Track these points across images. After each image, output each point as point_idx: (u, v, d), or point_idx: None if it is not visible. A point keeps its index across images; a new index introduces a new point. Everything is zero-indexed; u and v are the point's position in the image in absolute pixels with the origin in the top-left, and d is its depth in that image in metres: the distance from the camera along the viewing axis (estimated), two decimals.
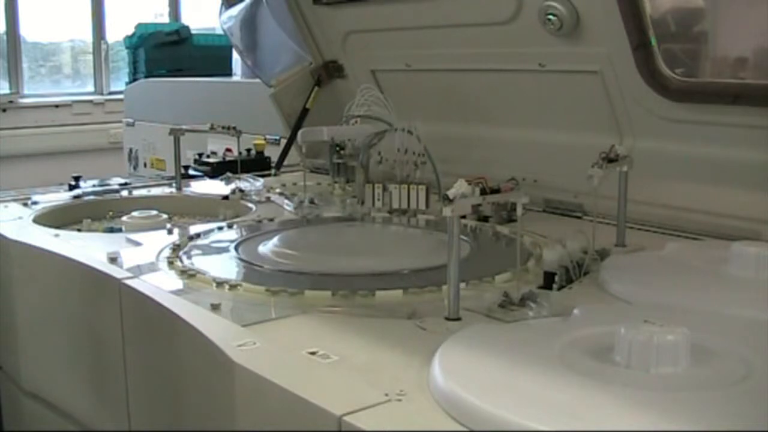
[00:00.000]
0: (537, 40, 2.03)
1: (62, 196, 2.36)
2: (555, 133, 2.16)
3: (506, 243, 1.81)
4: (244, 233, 1.91)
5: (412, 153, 1.95)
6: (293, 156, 2.83)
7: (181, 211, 2.31)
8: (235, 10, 3.12)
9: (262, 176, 2.63)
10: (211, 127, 2.52)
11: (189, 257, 1.69)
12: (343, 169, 2.18)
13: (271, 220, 2.04)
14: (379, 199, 1.99)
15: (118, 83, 6.54)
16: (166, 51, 5.56)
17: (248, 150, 3.06)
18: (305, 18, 2.73)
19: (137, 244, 1.82)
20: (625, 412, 0.91)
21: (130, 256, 1.69)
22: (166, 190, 2.49)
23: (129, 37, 5.69)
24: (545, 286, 1.45)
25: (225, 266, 1.67)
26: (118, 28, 6.60)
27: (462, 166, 1.88)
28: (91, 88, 6.82)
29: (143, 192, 2.47)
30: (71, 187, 2.49)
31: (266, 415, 1.07)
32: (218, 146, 3.35)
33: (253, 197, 2.33)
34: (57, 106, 6.35)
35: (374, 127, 2.05)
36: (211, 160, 3.09)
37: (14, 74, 6.38)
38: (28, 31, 6.51)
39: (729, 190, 1.82)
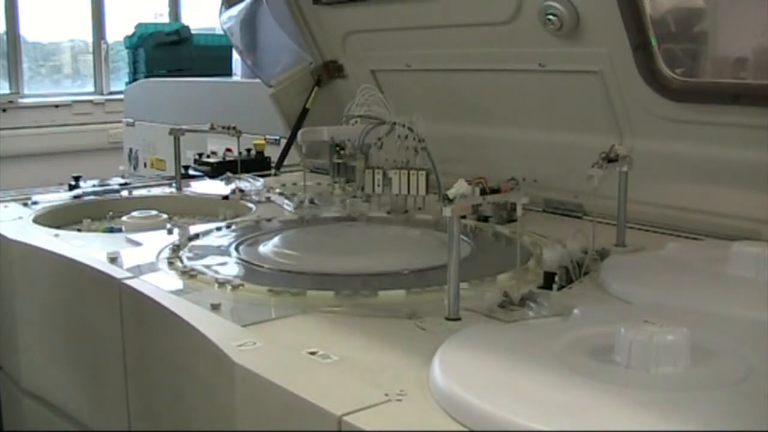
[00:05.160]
0: (537, 40, 2.03)
1: (62, 196, 2.36)
2: (555, 133, 2.16)
3: (505, 244, 1.81)
4: (233, 232, 1.93)
5: (412, 139, 1.95)
6: (293, 156, 2.83)
7: (181, 211, 2.31)
8: (235, 10, 3.12)
9: (262, 176, 2.63)
10: (211, 127, 2.52)
11: (187, 255, 1.70)
12: (343, 169, 2.18)
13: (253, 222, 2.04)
14: (379, 185, 1.99)
15: (118, 83, 6.55)
16: (166, 51, 5.57)
17: (248, 150, 3.07)
18: (305, 18, 2.73)
19: (137, 244, 1.82)
20: (625, 412, 0.91)
21: (130, 256, 1.69)
22: (166, 190, 2.49)
23: (129, 37, 5.70)
24: (545, 286, 1.45)
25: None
26: (118, 28, 6.61)
27: (462, 166, 1.88)
28: (91, 88, 6.82)
29: (143, 192, 2.47)
30: (71, 187, 2.49)
31: (266, 415, 1.07)
32: (218, 146, 3.35)
33: (253, 197, 2.33)
34: (57, 106, 6.35)
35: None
36: (211, 160, 3.09)
37: (14, 74, 6.38)
38: (28, 31, 6.52)
39: (729, 190, 1.82)
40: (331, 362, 1.13)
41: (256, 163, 2.94)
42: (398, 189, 1.95)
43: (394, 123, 1.99)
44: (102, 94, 6.72)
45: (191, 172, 3.01)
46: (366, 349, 1.19)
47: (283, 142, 2.89)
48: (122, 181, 2.63)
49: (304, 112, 2.80)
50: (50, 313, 1.75)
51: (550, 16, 1.94)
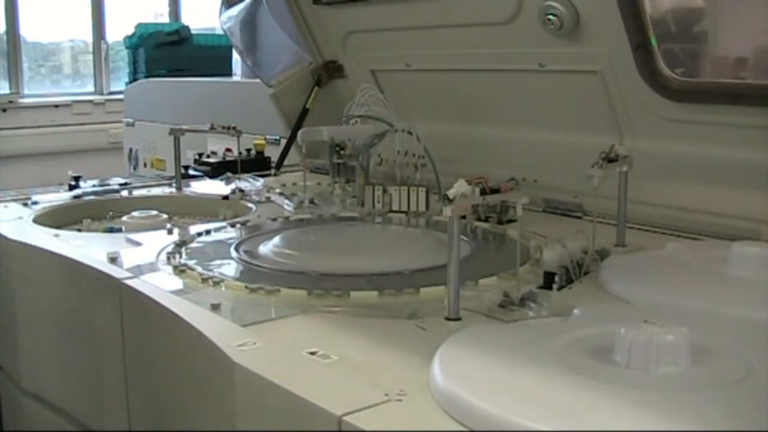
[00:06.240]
0: (537, 40, 2.03)
1: (62, 196, 2.36)
2: (555, 133, 2.16)
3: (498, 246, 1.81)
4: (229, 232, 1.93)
5: (412, 155, 1.95)
6: (293, 156, 2.83)
7: (181, 211, 2.31)
8: (235, 10, 3.12)
9: (262, 176, 2.63)
10: (211, 127, 2.52)
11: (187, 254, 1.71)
12: (343, 169, 2.18)
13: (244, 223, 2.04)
14: (379, 201, 1.99)
15: (118, 83, 6.55)
16: (166, 51, 5.57)
17: (248, 150, 3.06)
18: (305, 18, 2.73)
19: (137, 244, 1.82)
20: (625, 412, 0.91)
21: (130, 256, 1.69)
22: (166, 190, 2.49)
23: (129, 37, 5.70)
24: (545, 286, 1.45)
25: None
26: (118, 28, 6.61)
27: (462, 166, 1.87)
28: (91, 88, 6.82)
29: (143, 192, 2.47)
30: (71, 187, 2.49)
31: (266, 415, 1.07)
32: (218, 146, 3.35)
33: (253, 197, 2.33)
34: (57, 106, 6.35)
35: (374, 128, 2.05)
36: (211, 160, 3.09)
37: (14, 74, 6.38)
38: (28, 31, 6.52)
39: (729, 190, 1.82)
40: (331, 362, 1.13)
41: (256, 163, 2.94)
42: (398, 206, 1.95)
43: (395, 129, 1.98)
44: (102, 94, 6.72)
45: (191, 172, 3.01)
46: (366, 349, 1.19)
47: (283, 142, 2.89)
48: (122, 180, 2.63)
49: (304, 112, 2.81)
50: (50, 313, 1.75)
51: (550, 16, 1.94)
